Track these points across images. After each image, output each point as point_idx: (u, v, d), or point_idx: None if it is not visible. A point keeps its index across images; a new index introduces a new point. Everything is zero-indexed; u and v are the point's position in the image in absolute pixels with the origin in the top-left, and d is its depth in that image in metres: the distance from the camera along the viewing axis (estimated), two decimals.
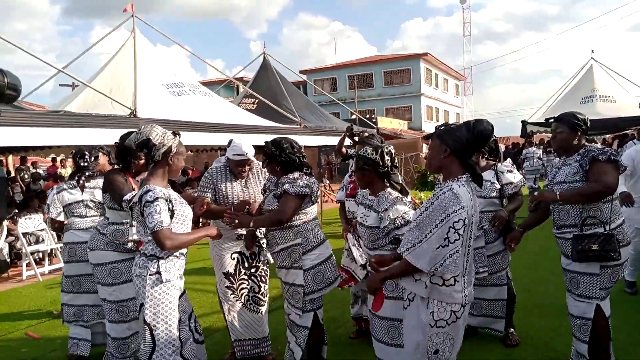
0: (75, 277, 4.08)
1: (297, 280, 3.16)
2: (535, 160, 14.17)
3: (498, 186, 3.74)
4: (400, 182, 2.94)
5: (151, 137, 2.72)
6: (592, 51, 18.32)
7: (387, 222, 2.73)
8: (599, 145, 3.15)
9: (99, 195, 4.07)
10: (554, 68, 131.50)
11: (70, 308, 4.12)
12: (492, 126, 2.30)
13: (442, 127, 2.36)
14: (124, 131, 7.89)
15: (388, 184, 2.86)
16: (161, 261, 2.72)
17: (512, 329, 3.90)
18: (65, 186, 4.27)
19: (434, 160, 2.35)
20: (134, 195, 2.93)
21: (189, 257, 3.29)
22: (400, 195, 2.83)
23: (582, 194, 3.00)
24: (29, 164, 15.44)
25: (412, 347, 2.40)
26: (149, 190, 2.69)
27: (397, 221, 2.72)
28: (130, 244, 3.54)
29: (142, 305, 2.70)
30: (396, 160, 2.90)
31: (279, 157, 3.17)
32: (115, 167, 3.76)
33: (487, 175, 3.77)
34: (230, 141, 3.71)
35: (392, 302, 2.67)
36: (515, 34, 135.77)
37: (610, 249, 2.93)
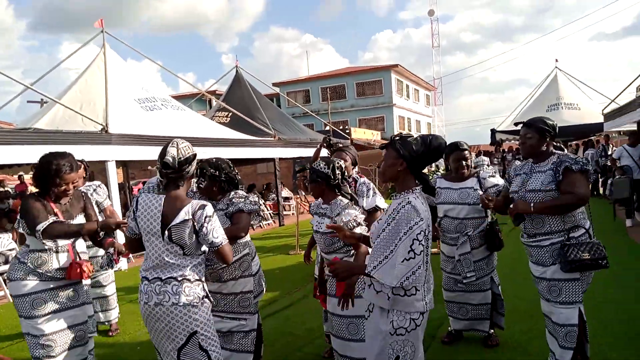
0: None
1: (247, 287, 3.36)
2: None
3: (481, 192, 3.83)
4: (350, 192, 3.15)
5: (196, 153, 2.69)
6: (557, 60, 18.93)
7: (350, 225, 2.89)
8: (571, 155, 3.14)
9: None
10: (521, 77, 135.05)
11: None
12: (441, 144, 2.34)
13: (398, 138, 2.38)
14: (97, 147, 7.87)
15: (339, 194, 3.08)
16: (204, 285, 2.64)
17: (492, 330, 4.00)
18: None
19: (389, 171, 2.36)
20: (181, 214, 2.58)
21: None
22: (351, 202, 3.06)
23: (557, 206, 2.97)
24: None
25: (371, 354, 2.40)
26: (204, 205, 2.58)
27: (350, 224, 2.89)
28: (54, 273, 3.18)
29: (193, 334, 2.55)
30: (346, 174, 3.13)
31: (218, 177, 3.25)
32: (33, 192, 3.36)
33: (471, 182, 3.91)
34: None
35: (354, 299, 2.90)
36: (483, 45, 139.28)
37: (599, 257, 2.92)
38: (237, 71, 15.56)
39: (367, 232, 2.84)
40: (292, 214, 14.19)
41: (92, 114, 8.62)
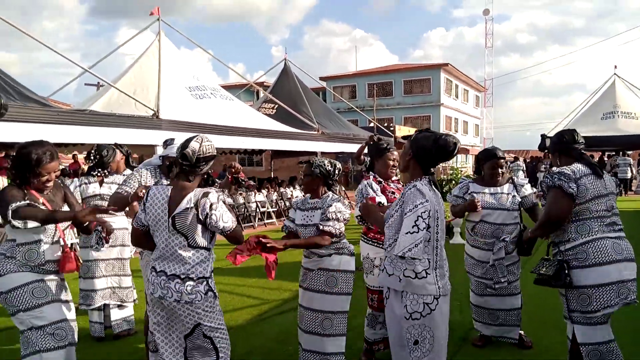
0: (88, 262, 4.27)
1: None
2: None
3: (519, 199, 3.86)
4: (339, 192, 3.36)
5: (216, 154, 2.72)
6: (615, 67, 18.12)
7: (329, 215, 3.13)
8: (554, 169, 3.05)
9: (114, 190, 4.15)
10: (577, 82, 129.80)
11: (84, 292, 4.36)
12: (454, 143, 2.48)
13: (418, 133, 2.59)
14: (147, 132, 8.17)
15: (331, 191, 3.29)
16: (210, 280, 2.68)
17: (521, 332, 3.96)
18: (85, 180, 4.45)
19: (402, 160, 2.63)
20: (186, 202, 2.60)
21: None
22: (340, 197, 3.26)
23: (538, 228, 3.09)
24: None
25: (392, 339, 2.55)
26: (207, 193, 2.61)
27: (331, 214, 3.13)
28: (46, 266, 2.97)
29: (197, 325, 2.66)
30: (336, 176, 3.35)
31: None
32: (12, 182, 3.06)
33: (507, 188, 3.90)
34: (168, 140, 3.60)
35: (328, 295, 3.13)
36: (540, 47, 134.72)
37: (554, 276, 2.87)
38: (285, 64, 15.70)
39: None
40: None
41: (145, 99, 8.94)
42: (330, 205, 3.15)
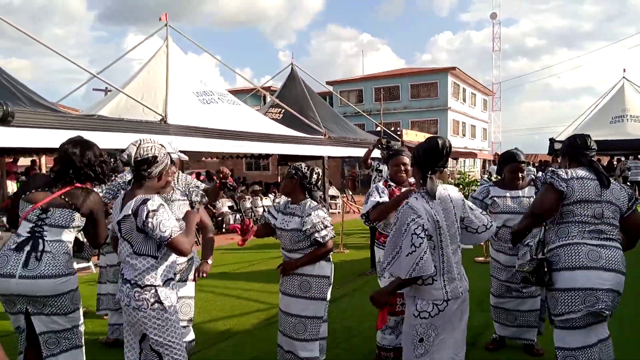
0: (116, 266, 4.29)
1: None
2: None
3: None
4: (319, 200, 3.36)
5: (158, 156, 2.59)
6: (624, 70, 18.02)
7: (310, 226, 3.15)
8: (551, 169, 3.06)
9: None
10: (586, 86, 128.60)
11: (109, 297, 4.39)
12: (443, 143, 2.49)
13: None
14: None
15: (309, 197, 3.31)
16: (159, 289, 2.55)
17: (535, 339, 3.93)
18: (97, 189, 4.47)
19: (409, 170, 2.73)
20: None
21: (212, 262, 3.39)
22: (320, 205, 3.29)
23: (522, 220, 3.07)
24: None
25: (403, 335, 2.66)
26: (147, 199, 2.49)
27: (318, 225, 3.15)
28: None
29: (144, 335, 2.59)
30: (319, 183, 3.38)
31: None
32: None
33: (528, 191, 3.86)
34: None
35: (301, 300, 3.19)
36: (548, 50, 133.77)
37: (532, 272, 2.92)
38: (292, 68, 15.76)
39: (332, 234, 3.24)
40: (338, 212, 14.26)
41: (153, 104, 8.99)
42: (310, 215, 3.18)
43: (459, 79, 37.06)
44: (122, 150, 2.63)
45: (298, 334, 3.21)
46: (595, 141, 3.08)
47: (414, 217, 2.42)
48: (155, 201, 2.49)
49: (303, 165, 3.33)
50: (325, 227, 3.19)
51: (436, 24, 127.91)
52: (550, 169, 3.00)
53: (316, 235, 3.16)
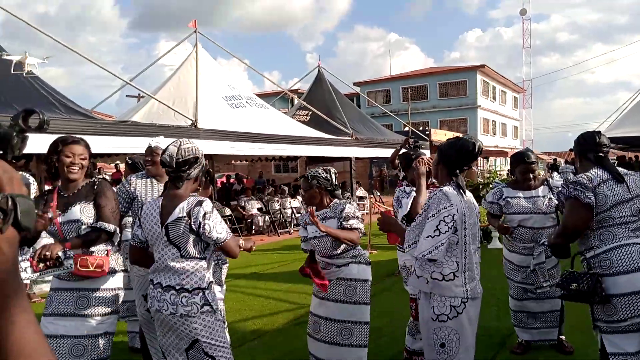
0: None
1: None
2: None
3: (555, 201, 3.75)
4: (341, 197, 3.34)
5: (198, 157, 2.56)
6: None
7: (344, 215, 3.14)
8: (571, 178, 2.92)
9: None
10: (622, 80, 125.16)
11: (124, 304, 4.45)
12: (473, 143, 2.47)
13: (448, 140, 2.64)
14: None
15: (334, 198, 3.28)
16: (206, 292, 2.50)
17: (563, 337, 3.90)
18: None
19: (432, 167, 2.73)
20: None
21: (242, 263, 3.46)
22: (348, 200, 3.26)
23: (557, 238, 2.94)
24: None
25: (423, 339, 2.60)
26: (201, 201, 2.47)
27: (356, 214, 3.17)
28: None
29: (195, 341, 2.49)
30: (335, 180, 3.33)
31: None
32: None
33: (542, 191, 3.83)
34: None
35: (347, 305, 3.13)
36: (581, 45, 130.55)
37: (591, 292, 2.66)
38: (319, 70, 15.87)
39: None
40: (366, 213, 14.26)
41: (183, 109, 9.22)
42: (343, 209, 3.16)
43: (489, 77, 36.49)
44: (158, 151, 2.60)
45: (344, 339, 3.14)
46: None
47: (446, 204, 2.40)
48: (209, 203, 2.48)
49: (319, 170, 3.29)
50: (356, 217, 3.16)
51: (465, 22, 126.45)
52: (571, 178, 2.88)
53: (344, 223, 3.12)
